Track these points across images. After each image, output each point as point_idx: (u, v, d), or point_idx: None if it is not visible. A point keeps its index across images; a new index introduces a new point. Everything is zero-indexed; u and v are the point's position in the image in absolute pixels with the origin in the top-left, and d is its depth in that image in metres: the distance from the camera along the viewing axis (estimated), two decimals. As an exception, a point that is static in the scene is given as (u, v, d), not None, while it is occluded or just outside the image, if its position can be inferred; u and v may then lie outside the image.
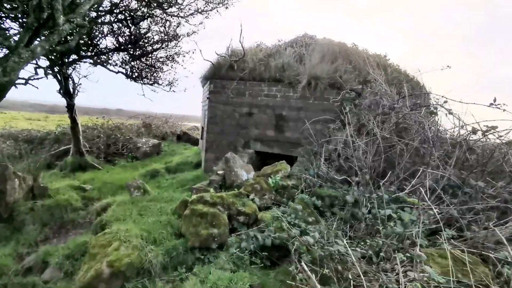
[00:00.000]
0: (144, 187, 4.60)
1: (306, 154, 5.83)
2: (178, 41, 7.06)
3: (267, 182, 4.36)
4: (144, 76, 7.90)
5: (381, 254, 2.26)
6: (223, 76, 6.57)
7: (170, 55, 7.22)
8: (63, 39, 4.51)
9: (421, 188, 2.67)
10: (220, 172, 4.98)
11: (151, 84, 7.75)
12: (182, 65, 7.46)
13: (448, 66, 3.80)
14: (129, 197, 4.41)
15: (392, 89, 4.66)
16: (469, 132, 2.98)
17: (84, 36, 6.55)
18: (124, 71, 7.64)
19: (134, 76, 7.57)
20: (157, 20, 6.61)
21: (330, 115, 5.78)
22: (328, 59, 5.78)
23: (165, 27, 6.71)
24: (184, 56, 7.21)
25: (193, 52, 7.07)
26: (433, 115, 3.15)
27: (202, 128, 9.24)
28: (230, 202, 3.69)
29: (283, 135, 6.17)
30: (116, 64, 7.66)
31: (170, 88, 7.66)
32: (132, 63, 7.40)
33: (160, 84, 7.65)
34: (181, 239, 3.26)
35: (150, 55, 7.01)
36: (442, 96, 3.06)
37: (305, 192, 4.33)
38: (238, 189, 4.55)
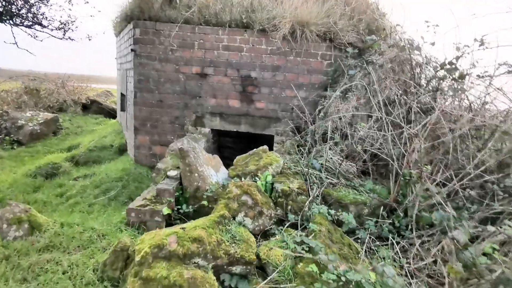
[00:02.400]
0: (30, 218, 2.58)
1: (290, 132, 4.44)
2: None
3: (261, 190, 2.85)
4: (14, 12, 4.97)
5: None
6: (156, 16, 4.41)
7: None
8: None
9: None
10: (173, 173, 3.21)
11: (29, 26, 4.94)
12: (81, -4, 4.84)
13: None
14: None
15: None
16: None
17: None
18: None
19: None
20: None
21: (319, 78, 4.40)
22: (316, -4, 4.23)
23: None
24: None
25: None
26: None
27: (123, 95, 6.84)
28: (213, 244, 2.09)
29: (253, 106, 4.59)
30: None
31: (64, 34, 5.01)
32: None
33: (45, 27, 4.91)
34: None
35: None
36: None
37: (315, 198, 2.99)
38: (209, 202, 2.94)
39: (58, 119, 7.52)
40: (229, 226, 2.44)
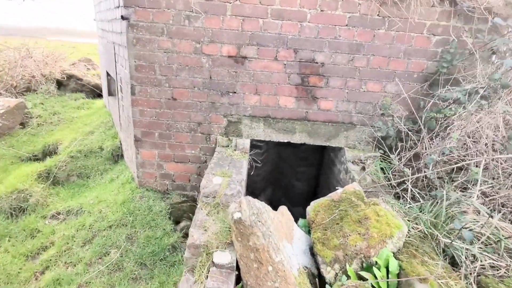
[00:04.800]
0: None
1: (377, 148, 3.08)
2: None
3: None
4: None
5: None
6: (160, -43, 2.71)
7: None
8: None
9: None
10: (224, 259, 1.87)
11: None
12: None
13: None
14: None
15: None
16: None
17: None
18: None
19: None
20: None
21: (421, 64, 2.92)
22: None
23: None
24: None
25: None
26: None
27: (109, 75, 5.18)
28: None
29: (316, 106, 3.13)
30: None
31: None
32: None
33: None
34: None
35: None
36: None
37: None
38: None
39: (25, 106, 5.85)
40: None
